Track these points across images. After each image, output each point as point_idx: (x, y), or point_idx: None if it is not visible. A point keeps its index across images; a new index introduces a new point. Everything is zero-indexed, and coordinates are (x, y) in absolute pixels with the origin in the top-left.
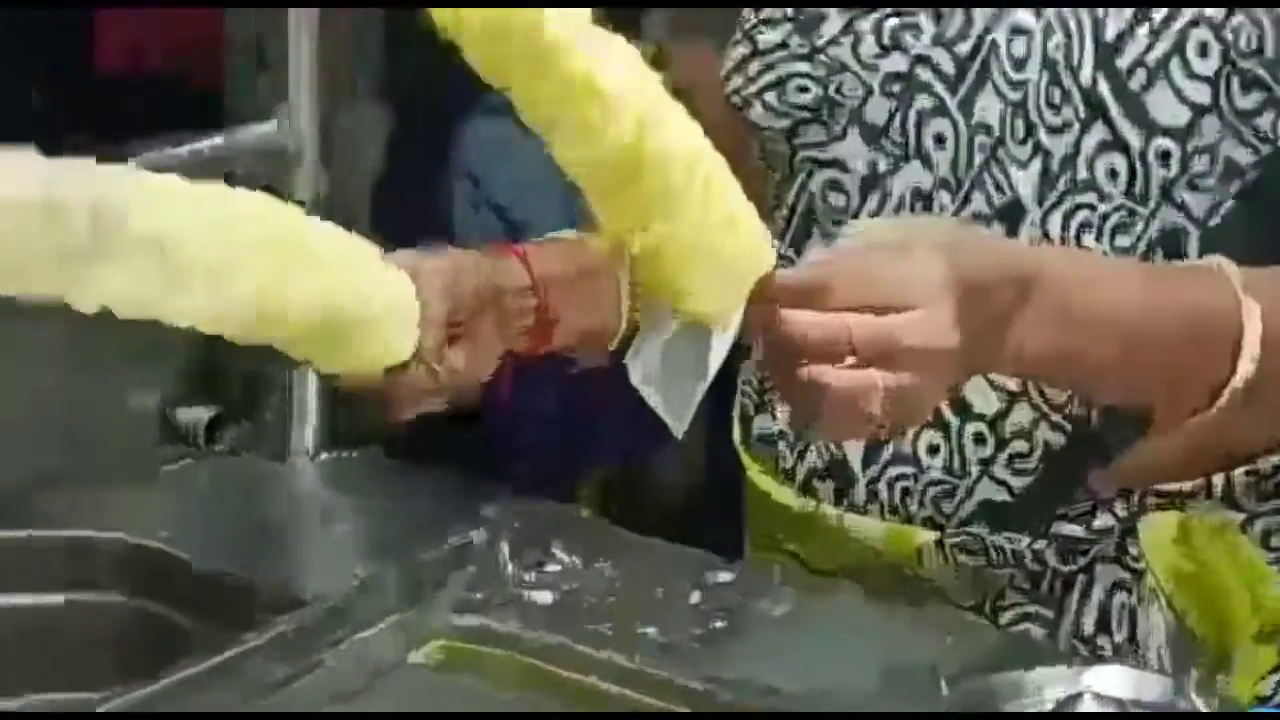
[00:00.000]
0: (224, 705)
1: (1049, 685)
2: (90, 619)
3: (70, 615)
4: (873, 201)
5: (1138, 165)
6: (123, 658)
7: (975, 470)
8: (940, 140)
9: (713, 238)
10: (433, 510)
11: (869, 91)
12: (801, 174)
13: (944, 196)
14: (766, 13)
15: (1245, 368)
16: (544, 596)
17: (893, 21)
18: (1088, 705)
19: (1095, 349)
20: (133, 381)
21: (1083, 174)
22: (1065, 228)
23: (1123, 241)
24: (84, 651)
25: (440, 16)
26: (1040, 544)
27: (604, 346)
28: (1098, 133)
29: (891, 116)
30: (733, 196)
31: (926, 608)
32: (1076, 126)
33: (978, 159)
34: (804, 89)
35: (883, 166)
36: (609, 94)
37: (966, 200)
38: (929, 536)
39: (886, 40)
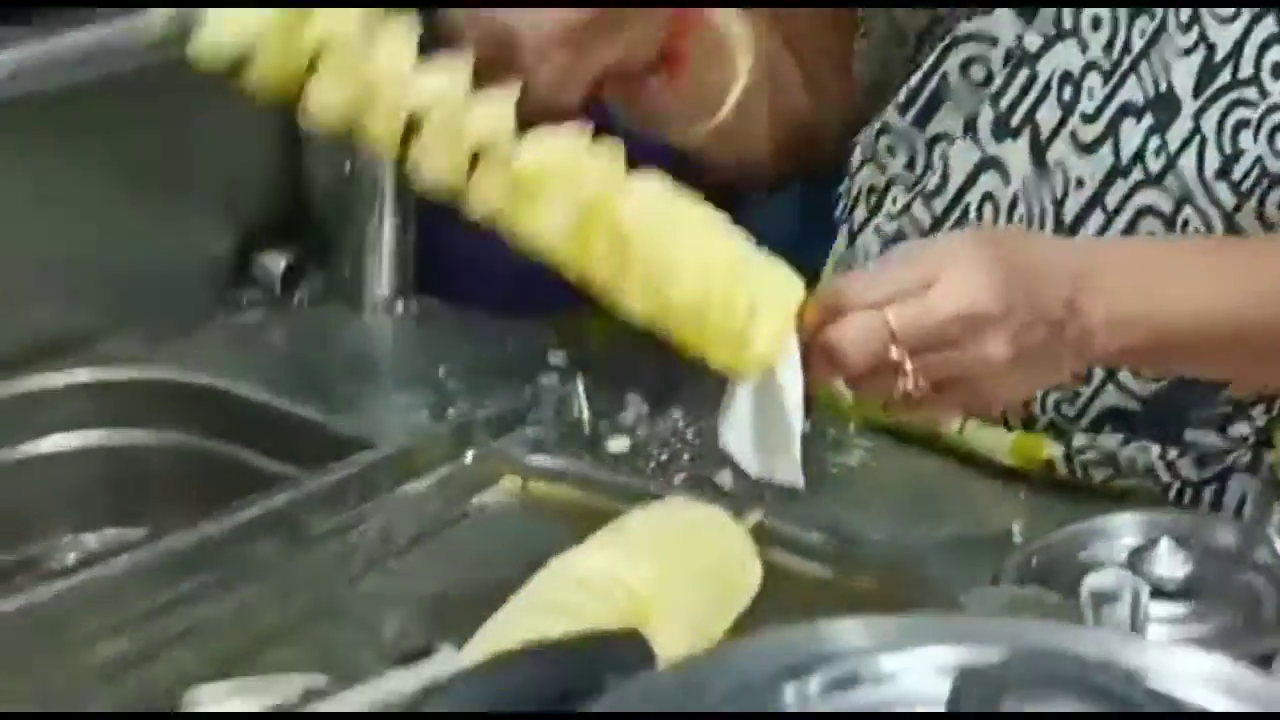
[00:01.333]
0: (279, 549)
1: (1125, 532)
2: (161, 458)
3: (141, 454)
4: (1017, 81)
5: None
6: (191, 498)
7: (1099, 375)
8: (1097, 23)
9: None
10: (507, 357)
11: None
12: (939, 48)
13: (1094, 80)
14: None
15: None
16: (618, 442)
17: None
18: (1164, 549)
19: (1180, 346)
20: (210, 227)
21: (1246, 69)
22: (1221, 126)
23: None
24: (153, 491)
25: None
26: (1173, 453)
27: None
28: (1268, 25)
29: None
30: (728, 250)
31: (1000, 468)
32: (1246, 17)
33: (1136, 45)
34: None
35: (1031, 44)
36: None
37: (1118, 87)
38: (1057, 450)
39: None
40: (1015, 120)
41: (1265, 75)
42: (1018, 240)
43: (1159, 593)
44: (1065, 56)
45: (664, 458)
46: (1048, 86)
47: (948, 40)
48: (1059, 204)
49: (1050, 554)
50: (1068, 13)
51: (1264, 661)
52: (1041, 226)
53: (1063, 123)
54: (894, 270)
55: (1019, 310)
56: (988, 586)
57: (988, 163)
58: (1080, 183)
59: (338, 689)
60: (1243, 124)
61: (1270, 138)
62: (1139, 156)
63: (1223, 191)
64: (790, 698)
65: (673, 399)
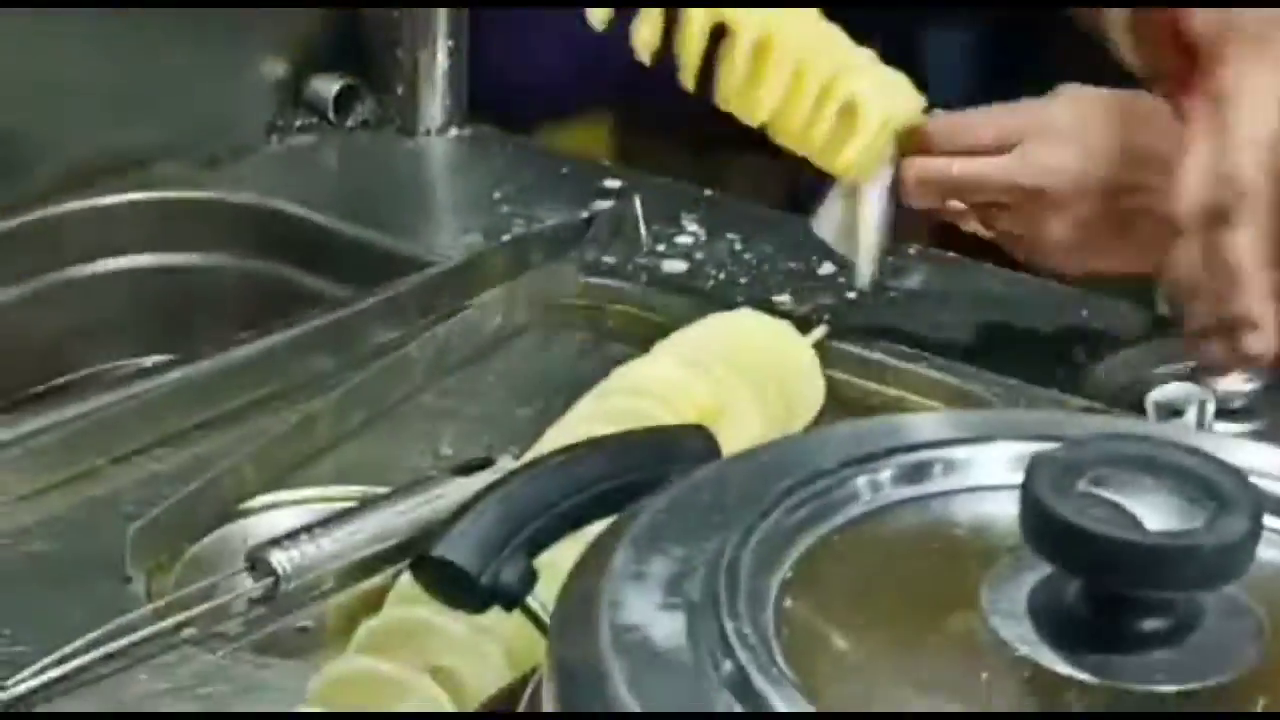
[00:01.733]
0: (337, 363)
1: (1185, 353)
2: (216, 280)
3: (196, 276)
4: None
5: None
6: (247, 319)
7: None
8: None
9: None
10: (562, 181)
11: None
12: None
13: None
14: None
15: None
16: (675, 264)
17: None
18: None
19: None
20: (263, 51)
21: None
22: None
23: None
24: (209, 313)
25: None
26: None
27: None
28: None
29: None
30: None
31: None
32: None
33: None
34: None
35: None
36: None
37: None
38: None
39: None
40: None
41: None
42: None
43: (1224, 411)
44: None
45: (721, 278)
46: None
47: None
48: None
49: (1116, 372)
50: None
51: None
52: None
53: None
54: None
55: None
56: (1053, 401)
57: None
58: None
59: (396, 497)
60: None
61: None
62: None
63: None
64: (862, 485)
65: (729, 223)
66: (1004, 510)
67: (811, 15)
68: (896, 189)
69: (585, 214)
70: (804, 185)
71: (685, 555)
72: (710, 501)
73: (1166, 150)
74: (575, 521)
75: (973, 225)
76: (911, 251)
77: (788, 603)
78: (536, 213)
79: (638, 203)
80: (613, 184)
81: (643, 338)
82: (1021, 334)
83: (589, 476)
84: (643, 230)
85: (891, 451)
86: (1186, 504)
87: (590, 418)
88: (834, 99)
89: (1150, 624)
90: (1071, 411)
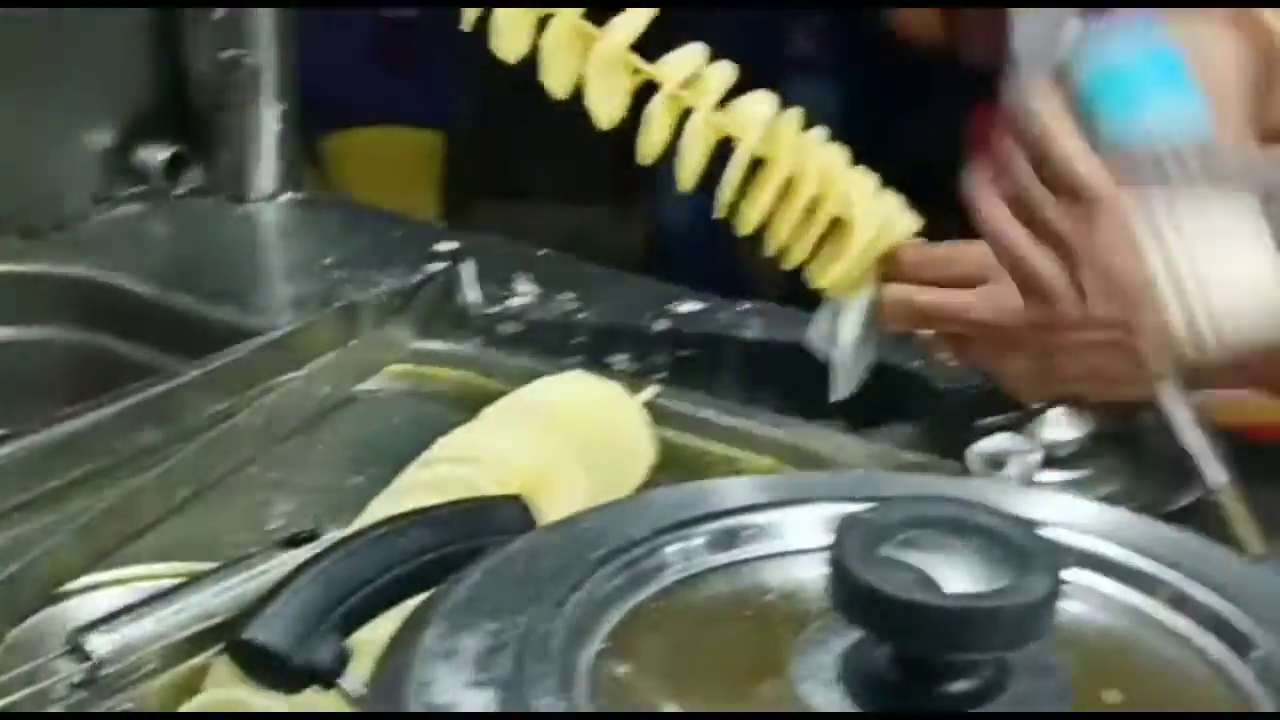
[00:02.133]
0: (161, 438)
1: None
2: (40, 354)
3: (20, 351)
4: None
5: None
6: (74, 394)
7: None
8: None
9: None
10: (394, 246)
11: None
12: None
13: None
14: None
15: None
16: (509, 326)
17: None
18: (1055, 416)
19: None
20: (89, 119)
21: None
22: None
23: None
24: (33, 387)
25: None
26: None
27: None
28: None
29: None
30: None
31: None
32: None
33: None
34: None
35: None
36: None
37: None
38: None
39: None
40: None
41: None
42: None
43: (1051, 460)
44: None
45: (557, 338)
46: None
47: None
48: None
49: (945, 420)
50: None
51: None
52: None
53: None
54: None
55: None
56: (884, 454)
57: None
58: None
59: (221, 574)
60: None
61: None
62: None
63: None
64: (674, 553)
65: (564, 282)
66: (815, 574)
67: (818, 136)
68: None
69: (418, 277)
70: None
71: (497, 630)
72: (523, 574)
73: None
74: (392, 597)
75: (945, 354)
76: (745, 306)
77: (601, 675)
78: (369, 277)
79: (470, 265)
80: (446, 246)
81: (477, 402)
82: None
83: (405, 551)
84: (475, 292)
85: (703, 518)
86: (991, 565)
87: (414, 488)
88: (824, 214)
89: (959, 686)
90: (886, 471)
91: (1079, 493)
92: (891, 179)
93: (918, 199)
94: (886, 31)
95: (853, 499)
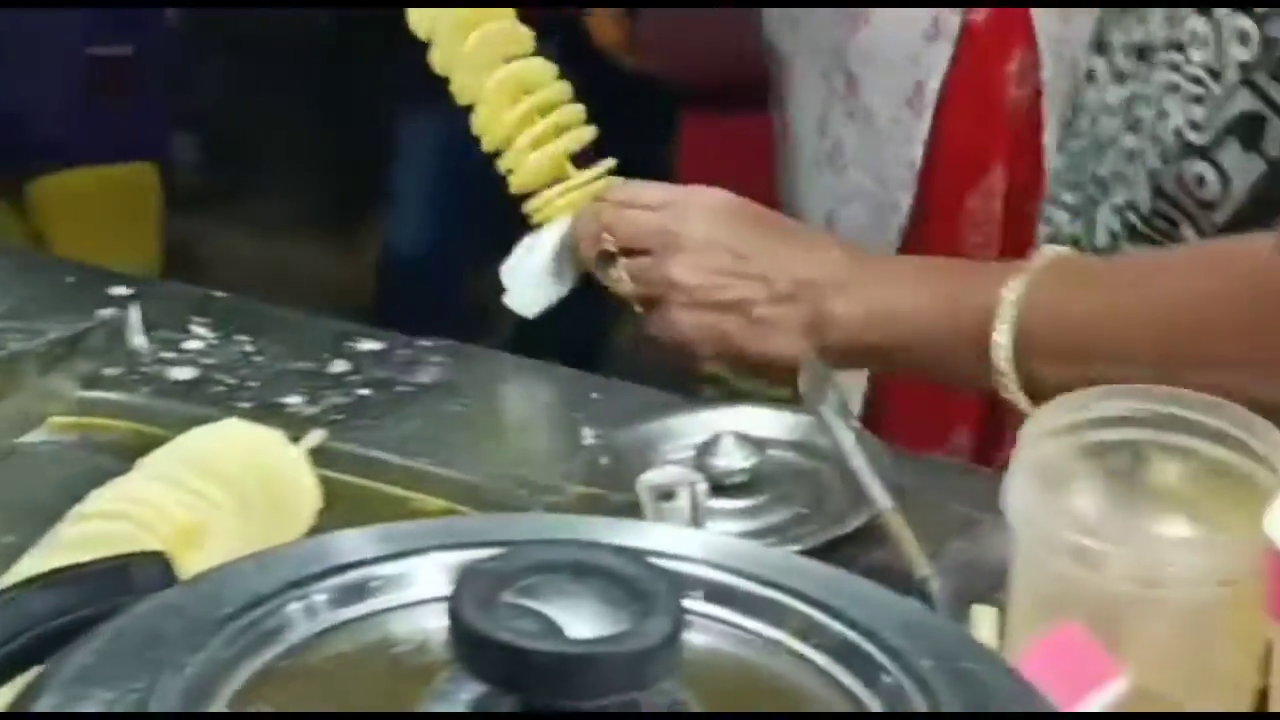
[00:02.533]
0: None
1: (692, 430)
2: None
3: None
4: None
5: (1215, 36)
6: None
7: None
8: None
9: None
10: (67, 293)
11: None
12: None
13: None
14: None
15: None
16: (182, 372)
17: None
18: (727, 445)
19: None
20: None
21: (1176, 32)
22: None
23: (1196, 114)
24: None
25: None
26: None
27: None
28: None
29: None
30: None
31: (570, 369)
32: None
33: None
34: None
35: None
36: None
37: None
38: None
39: None
40: (1098, 37)
41: (1186, 40)
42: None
43: (725, 488)
44: None
45: (231, 382)
46: (1114, 14)
47: None
48: (1096, 126)
49: (618, 454)
50: None
51: (827, 551)
52: (1096, 144)
53: (1120, 51)
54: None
55: (723, 257)
56: (553, 490)
57: (1087, 72)
58: (1110, 110)
59: None
60: (1171, 88)
61: (1187, 106)
62: (1132, 99)
63: (1155, 150)
64: (298, 611)
65: (240, 325)
66: (441, 624)
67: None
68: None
69: (86, 324)
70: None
71: (113, 700)
72: (146, 637)
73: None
74: (22, 663)
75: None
76: (425, 344)
77: None
78: (37, 326)
79: (136, 310)
80: (119, 291)
81: (144, 452)
82: (532, 420)
83: (37, 613)
84: (142, 338)
85: (329, 572)
86: (614, 607)
87: (64, 545)
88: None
89: None
90: (547, 512)
91: (750, 520)
92: None
93: None
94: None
95: (476, 545)
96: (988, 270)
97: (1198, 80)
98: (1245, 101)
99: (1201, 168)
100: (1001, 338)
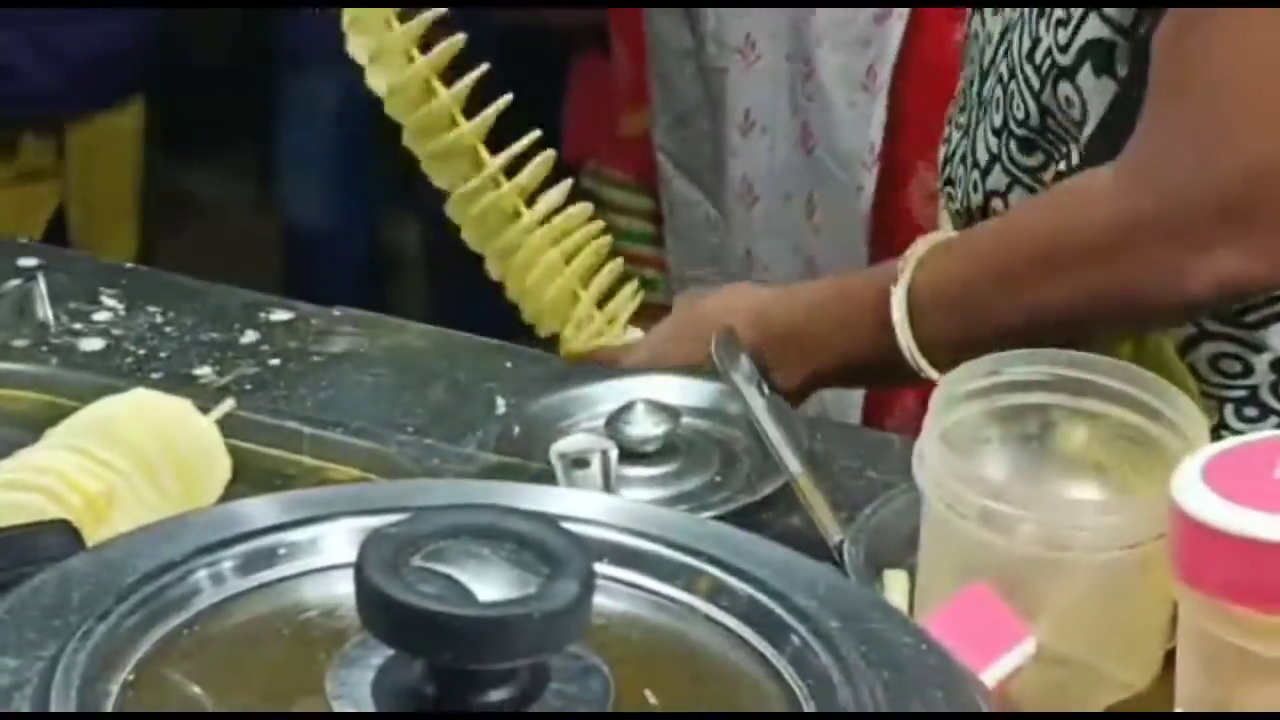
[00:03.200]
0: None
1: (605, 398)
2: None
3: None
4: None
5: None
6: None
7: None
8: None
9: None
10: None
11: None
12: None
13: None
14: None
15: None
16: (92, 343)
17: None
18: (640, 412)
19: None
20: None
21: None
22: (1029, 11)
23: (1061, 37)
24: None
25: None
26: None
27: None
28: None
29: None
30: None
31: (484, 339)
32: None
33: None
34: None
35: None
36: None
37: None
38: None
39: None
40: None
41: None
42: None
43: (637, 455)
44: None
45: (141, 354)
46: None
47: None
48: (981, 53)
49: (531, 423)
50: None
51: (741, 517)
52: (980, 69)
53: None
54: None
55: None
56: (467, 459)
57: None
58: (990, 38)
59: None
60: (1040, 13)
61: (1055, 30)
62: (1007, 27)
63: (1030, 73)
64: (205, 578)
65: (150, 296)
66: (350, 590)
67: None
68: None
69: None
70: None
71: (18, 667)
72: (52, 604)
73: None
74: None
75: None
76: (336, 313)
77: (128, 706)
78: None
79: (41, 281)
80: (28, 262)
81: (54, 424)
82: (445, 389)
83: None
84: (47, 310)
85: (237, 539)
86: (523, 571)
87: None
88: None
89: (496, 695)
90: (465, 479)
91: (663, 487)
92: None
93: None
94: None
95: (386, 510)
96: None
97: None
98: (1095, 28)
99: (1067, 89)
100: (898, 294)
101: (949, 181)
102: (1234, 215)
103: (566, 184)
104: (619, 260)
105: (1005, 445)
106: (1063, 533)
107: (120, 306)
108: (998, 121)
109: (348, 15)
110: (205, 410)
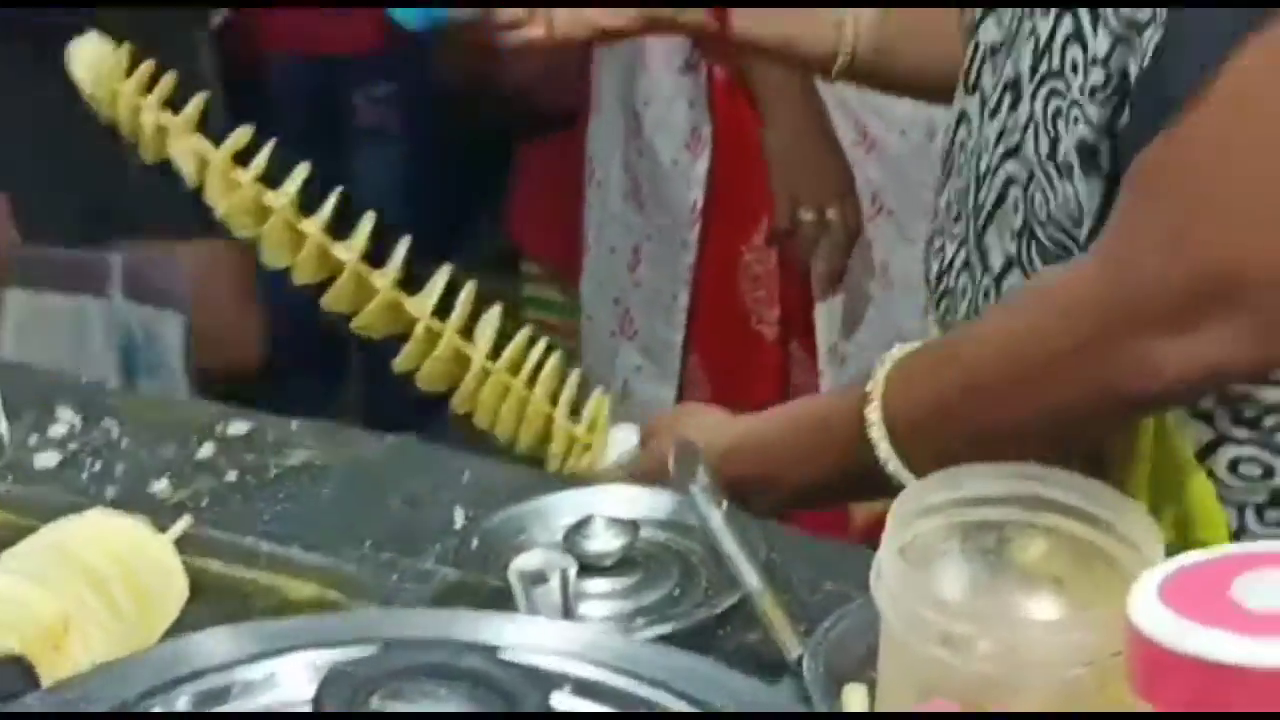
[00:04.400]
0: None
1: (562, 511)
2: None
3: None
4: (970, 46)
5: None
6: None
7: None
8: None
9: None
10: None
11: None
12: None
13: (1000, 54)
14: None
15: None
16: (47, 458)
17: None
18: (598, 526)
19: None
20: None
21: (1056, 61)
22: (1045, 111)
23: (1085, 133)
24: None
25: None
26: None
27: None
28: (1067, 24)
29: None
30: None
31: (442, 448)
32: (1052, 14)
33: (1016, 25)
34: None
35: (976, 14)
36: None
37: (1004, 63)
38: None
39: None
40: (971, 79)
41: (1068, 70)
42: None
43: (596, 569)
44: (991, 31)
45: (97, 468)
46: (983, 55)
47: None
48: (977, 160)
49: (489, 536)
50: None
51: (700, 631)
52: (976, 176)
53: (992, 89)
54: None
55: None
56: (426, 575)
57: (960, 113)
58: (987, 144)
59: None
60: (1058, 113)
61: (1072, 129)
62: (1006, 131)
63: (1052, 171)
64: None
65: (106, 409)
66: None
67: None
68: None
69: None
70: None
71: None
72: None
73: None
74: None
75: None
76: (293, 425)
77: None
78: None
79: None
80: None
81: (10, 542)
82: (403, 501)
83: None
84: (3, 425)
85: (191, 676)
86: (480, 708)
87: None
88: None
89: None
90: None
91: (623, 601)
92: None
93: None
94: (442, 94)
95: (345, 644)
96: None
97: (1058, 106)
98: (1080, 130)
99: (1066, 187)
100: (873, 414)
101: (945, 293)
102: (1206, 301)
103: (496, 311)
104: (577, 371)
105: (964, 558)
106: (1020, 651)
107: (76, 420)
108: (1016, 223)
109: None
110: (162, 529)
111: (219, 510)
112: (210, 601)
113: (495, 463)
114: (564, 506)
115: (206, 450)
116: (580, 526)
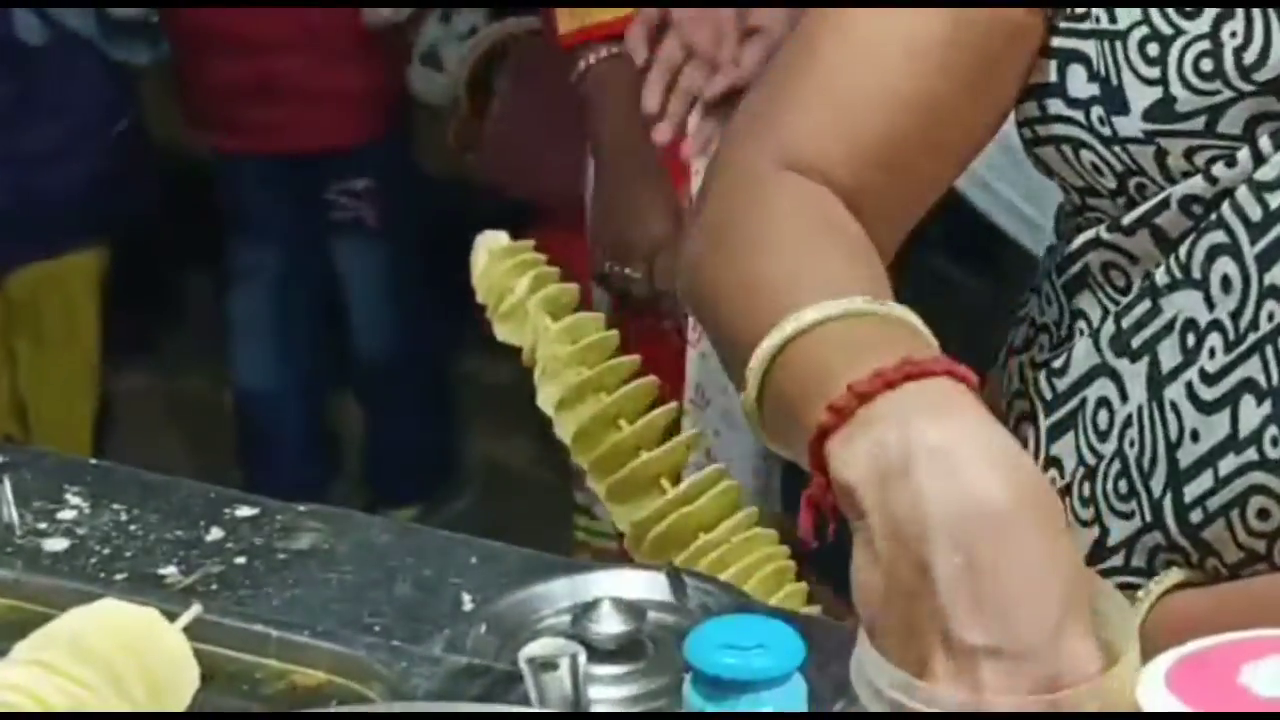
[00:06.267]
0: None
1: (570, 594)
2: None
3: None
4: (1141, 308)
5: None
6: None
7: None
8: (1227, 284)
9: None
10: None
11: (1165, 204)
12: (1085, 236)
13: (1216, 340)
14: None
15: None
16: (56, 544)
17: (1206, 153)
18: (604, 610)
19: None
20: None
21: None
22: None
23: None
24: None
25: None
26: None
27: None
28: None
29: (1184, 236)
30: None
31: (444, 536)
32: None
33: (1263, 325)
34: (1099, 169)
35: (1161, 279)
36: None
37: (1240, 360)
38: None
39: (1195, 163)
40: (1135, 344)
41: None
42: None
43: (604, 653)
44: (1190, 304)
45: (106, 553)
46: (1170, 326)
47: (1093, 236)
48: (1172, 447)
49: (497, 621)
50: (1198, 261)
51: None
52: (1153, 463)
53: (1182, 369)
54: None
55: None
56: (435, 661)
57: (1103, 370)
58: (1195, 436)
59: None
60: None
61: None
62: (1256, 438)
63: None
64: None
65: (114, 493)
66: None
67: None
68: None
69: None
70: None
71: None
72: None
73: None
74: None
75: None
76: (301, 509)
77: None
78: None
79: (7, 483)
80: None
81: (23, 630)
82: (411, 586)
83: None
84: (12, 512)
85: None
86: None
87: None
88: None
89: None
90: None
91: (631, 685)
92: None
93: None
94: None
95: None
96: None
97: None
98: None
99: None
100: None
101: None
102: None
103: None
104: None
105: None
106: None
107: (85, 504)
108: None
109: (539, 366)
110: (172, 616)
111: (228, 595)
112: (220, 689)
113: (500, 546)
114: (570, 589)
115: (215, 534)
116: (587, 609)
